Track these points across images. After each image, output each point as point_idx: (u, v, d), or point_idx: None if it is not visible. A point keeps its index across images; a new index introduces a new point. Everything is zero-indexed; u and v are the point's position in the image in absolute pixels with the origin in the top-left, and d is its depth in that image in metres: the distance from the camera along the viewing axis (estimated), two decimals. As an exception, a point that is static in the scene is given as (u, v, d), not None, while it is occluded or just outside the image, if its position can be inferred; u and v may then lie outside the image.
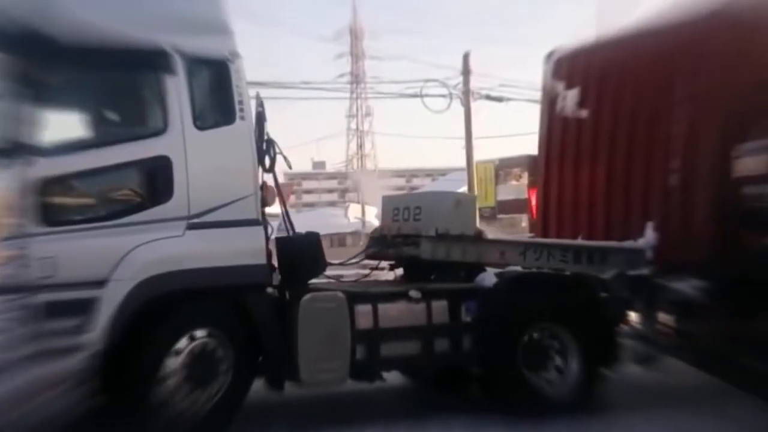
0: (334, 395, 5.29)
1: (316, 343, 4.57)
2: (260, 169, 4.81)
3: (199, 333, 4.32)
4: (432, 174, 57.32)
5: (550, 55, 6.77)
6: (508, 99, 18.23)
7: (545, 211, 6.84)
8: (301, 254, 4.88)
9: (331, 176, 67.62)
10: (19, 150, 3.81)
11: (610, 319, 5.44)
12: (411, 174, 65.83)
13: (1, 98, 3.79)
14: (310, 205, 57.64)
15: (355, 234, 33.64)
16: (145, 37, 4.18)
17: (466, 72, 18.41)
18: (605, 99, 6.20)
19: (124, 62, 4.18)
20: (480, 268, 5.47)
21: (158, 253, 4.16)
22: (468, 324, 5.07)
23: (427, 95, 17.85)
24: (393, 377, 5.32)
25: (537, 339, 5.16)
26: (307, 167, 70.72)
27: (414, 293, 4.97)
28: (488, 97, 18.62)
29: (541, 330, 5.17)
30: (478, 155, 20.09)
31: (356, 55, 49.96)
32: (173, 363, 4.21)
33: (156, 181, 4.25)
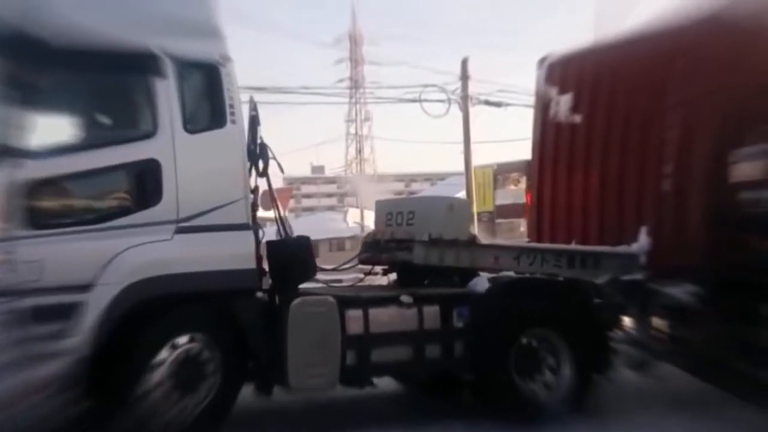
0: (325, 401, 5.26)
1: (306, 348, 4.53)
2: (254, 173, 4.81)
3: (187, 338, 4.28)
4: (431, 178, 57.36)
5: (542, 61, 6.77)
6: (507, 104, 18.23)
7: (539, 215, 6.82)
8: (292, 258, 4.85)
9: (330, 181, 67.63)
10: (6, 152, 3.79)
11: (604, 324, 5.41)
12: (410, 178, 65.87)
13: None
14: (310, 209, 57.64)
15: (354, 238, 33.55)
16: (135, 40, 4.16)
17: (464, 77, 18.42)
18: (598, 104, 6.20)
19: (114, 65, 4.16)
20: (474, 273, 5.45)
21: (146, 256, 4.13)
22: (460, 329, 5.03)
23: (425, 100, 17.86)
24: (385, 383, 5.28)
25: (529, 345, 5.12)
26: (306, 172, 70.79)
27: (405, 298, 4.94)
28: (487, 102, 18.62)
29: (533, 336, 5.13)
30: (477, 160, 20.10)
31: (355, 61, 50.02)
32: (160, 368, 4.17)
33: (145, 184, 4.22)
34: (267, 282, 4.72)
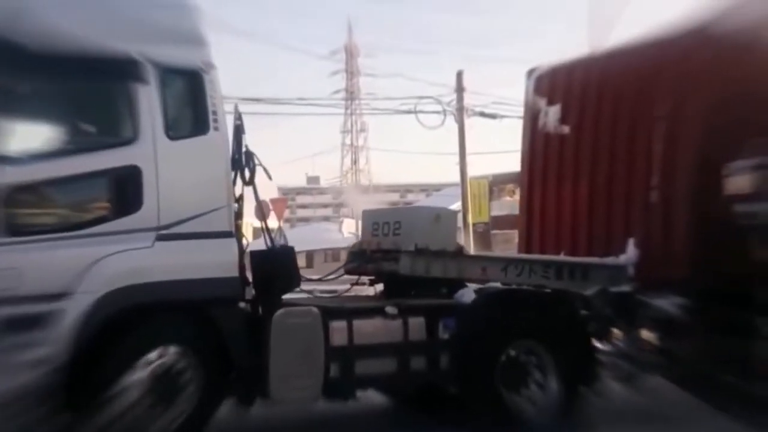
0: (308, 414, 5.18)
1: (289, 360, 4.46)
2: (240, 182, 4.77)
3: (166, 348, 4.20)
4: (426, 189, 57.39)
5: (531, 72, 6.79)
6: (502, 116, 18.29)
7: (528, 226, 6.80)
8: (276, 268, 4.80)
9: (326, 191, 67.65)
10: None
11: (591, 336, 5.36)
12: (405, 189, 65.89)
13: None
14: (305, 219, 57.55)
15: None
16: (116, 46, 4.13)
17: (459, 89, 18.52)
18: (586, 115, 6.21)
19: (95, 71, 4.12)
20: (461, 284, 5.40)
21: (126, 264, 4.06)
22: (446, 341, 4.98)
23: (421, 111, 17.94)
24: (370, 396, 5.21)
25: (515, 357, 5.06)
26: (302, 182, 70.80)
27: (390, 309, 4.88)
28: (482, 114, 18.71)
29: (519, 348, 5.08)
30: (473, 171, 20.18)
31: (351, 72, 50.27)
32: (139, 379, 4.08)
33: (125, 190, 4.16)
34: (250, 292, 4.66)
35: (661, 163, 5.51)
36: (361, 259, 5.65)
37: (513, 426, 4.89)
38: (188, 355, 4.25)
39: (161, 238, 4.19)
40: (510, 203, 23.41)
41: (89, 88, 4.26)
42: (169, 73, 4.28)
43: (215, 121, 4.42)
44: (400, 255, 5.20)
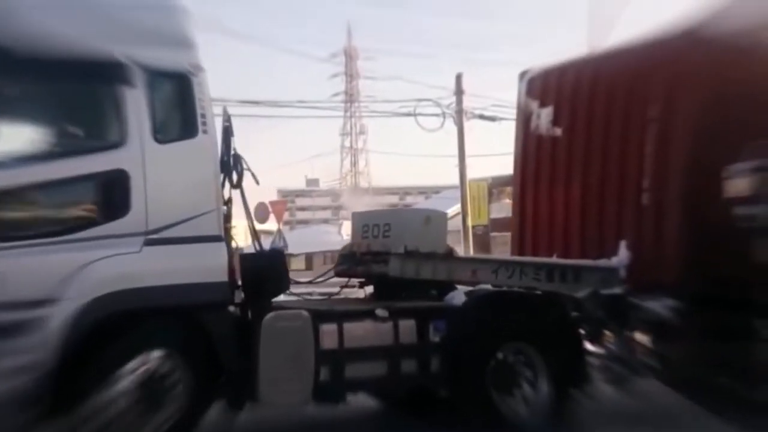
0: (297, 418, 5.16)
1: (279, 363, 4.44)
2: (228, 185, 4.75)
3: (155, 353, 4.17)
4: (425, 192, 57.37)
5: (523, 74, 6.78)
6: (501, 119, 18.29)
7: (521, 229, 6.78)
8: (265, 272, 4.77)
9: (325, 193, 67.66)
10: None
11: (581, 338, 5.34)
12: (404, 191, 65.91)
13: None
14: (304, 222, 57.54)
15: (347, 251, 33.40)
16: (103, 48, 4.11)
17: (459, 92, 18.54)
18: (578, 117, 6.20)
19: (82, 74, 4.10)
20: (451, 286, 5.38)
21: (113, 269, 4.04)
22: (436, 344, 4.96)
23: (420, 114, 17.98)
24: (360, 399, 5.19)
25: (506, 359, 5.05)
26: (301, 184, 70.82)
27: (380, 312, 4.87)
28: (481, 117, 18.71)
29: (510, 350, 5.06)
30: (472, 173, 20.16)
31: (351, 75, 50.29)
32: (127, 385, 4.06)
33: (112, 195, 4.14)
34: (239, 296, 4.65)
35: (652, 165, 5.50)
36: (350, 262, 5.64)
37: (504, 428, 4.87)
38: (177, 359, 4.23)
39: (149, 242, 4.17)
40: (509, 206, 23.29)
41: (76, 91, 4.22)
42: (156, 76, 4.25)
43: (204, 124, 4.39)
44: (390, 257, 5.19)
